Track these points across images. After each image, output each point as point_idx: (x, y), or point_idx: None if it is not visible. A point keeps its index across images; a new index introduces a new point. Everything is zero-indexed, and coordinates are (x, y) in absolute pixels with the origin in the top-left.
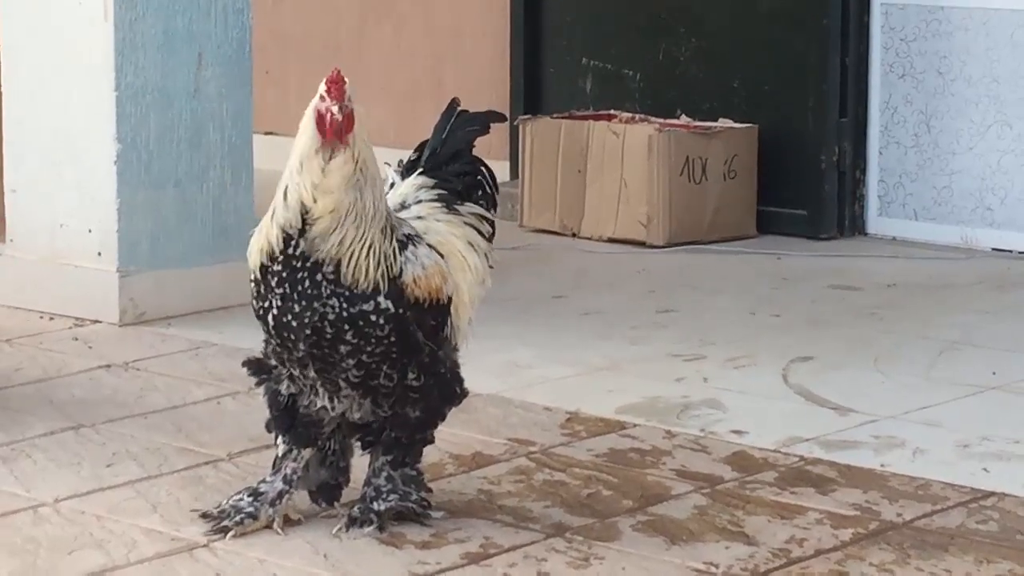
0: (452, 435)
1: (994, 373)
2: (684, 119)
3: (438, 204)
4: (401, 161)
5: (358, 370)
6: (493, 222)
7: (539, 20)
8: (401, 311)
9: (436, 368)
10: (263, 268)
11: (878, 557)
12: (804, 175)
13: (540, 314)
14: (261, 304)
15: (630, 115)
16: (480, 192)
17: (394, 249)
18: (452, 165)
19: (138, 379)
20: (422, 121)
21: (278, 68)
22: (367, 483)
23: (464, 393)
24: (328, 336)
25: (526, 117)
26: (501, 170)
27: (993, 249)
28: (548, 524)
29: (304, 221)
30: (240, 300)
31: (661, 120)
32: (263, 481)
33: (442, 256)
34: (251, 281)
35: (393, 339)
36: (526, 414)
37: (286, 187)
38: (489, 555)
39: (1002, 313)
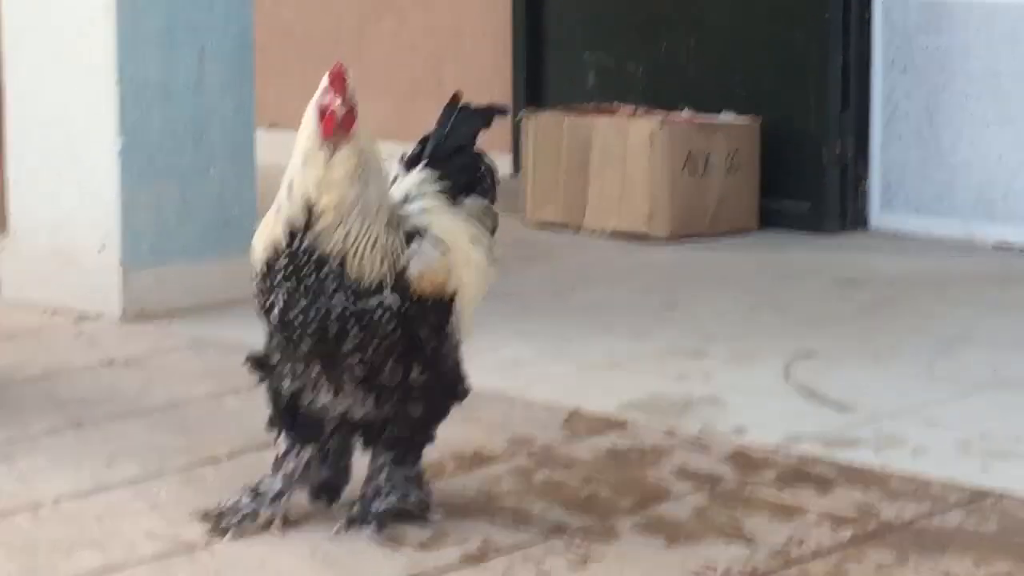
0: (452, 433)
1: (995, 371)
2: (687, 112)
3: (441, 198)
4: (404, 155)
5: (362, 366)
6: (496, 216)
7: (541, 14)
8: (406, 306)
9: (439, 364)
10: (268, 264)
11: (877, 557)
12: (806, 169)
13: (541, 309)
14: (265, 300)
15: (632, 109)
16: (483, 186)
17: (400, 243)
18: (455, 159)
19: (139, 375)
20: (424, 116)
21: (280, 62)
22: (367, 482)
23: (466, 390)
24: (333, 332)
25: (529, 111)
26: (504, 164)
27: (995, 244)
28: (547, 524)
29: (309, 216)
30: (243, 295)
31: (664, 113)
32: (263, 479)
33: (446, 251)
34: (255, 277)
35: (398, 335)
36: (527, 412)
37: (290, 182)
38: (488, 555)
39: (1004, 309)
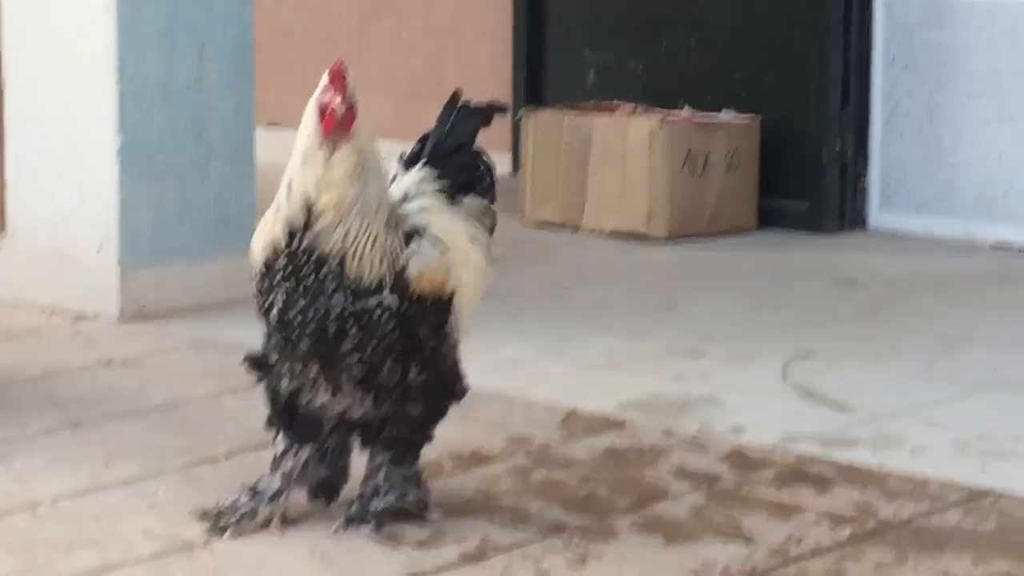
0: (451, 432)
1: (994, 371)
2: (687, 111)
3: (440, 197)
4: (403, 154)
5: (361, 366)
6: (495, 215)
7: (541, 13)
8: (406, 306)
9: (438, 364)
10: (267, 264)
11: (876, 556)
12: (806, 168)
13: (540, 309)
14: (264, 300)
15: (632, 107)
16: (482, 185)
17: (399, 243)
18: (455, 158)
19: (138, 375)
20: (424, 116)
21: (280, 61)
22: (365, 481)
23: (465, 389)
24: (332, 332)
25: (528, 109)
26: (503, 163)
27: (994, 243)
28: (546, 523)
29: (308, 215)
30: (242, 295)
31: (664, 112)
32: (262, 478)
33: (445, 250)
34: (254, 277)
35: (397, 334)
36: (525, 411)
37: (290, 181)
38: (487, 554)
39: (1003, 308)
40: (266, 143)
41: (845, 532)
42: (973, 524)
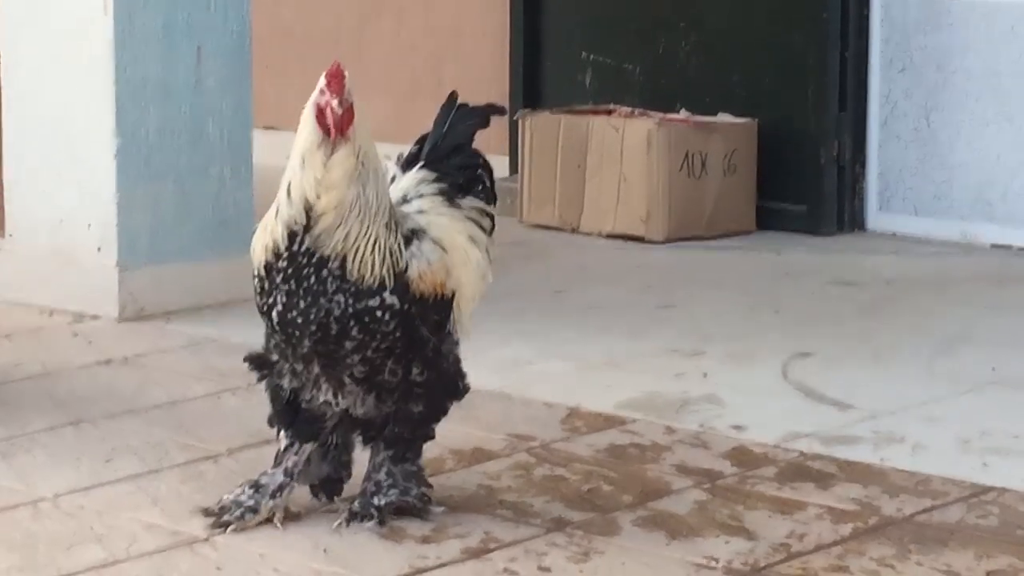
0: (452, 431)
1: (993, 369)
2: (684, 113)
3: (439, 198)
4: (401, 155)
5: (363, 366)
6: (493, 216)
7: (539, 14)
8: (406, 306)
9: (439, 363)
10: (268, 265)
11: (878, 552)
12: (804, 170)
13: (539, 309)
14: (265, 301)
15: (629, 109)
16: (481, 186)
17: (399, 244)
18: (453, 159)
19: (138, 374)
20: (423, 116)
21: (278, 62)
22: (368, 478)
23: (466, 388)
24: (333, 332)
25: (526, 111)
26: (500, 165)
27: (993, 244)
28: (548, 519)
29: (308, 217)
30: (240, 295)
31: (661, 114)
32: (264, 474)
33: (445, 251)
34: (255, 278)
35: (398, 335)
36: (526, 410)
37: (289, 183)
38: (489, 550)
39: (1002, 309)
40: (263, 146)
41: (847, 528)
42: (975, 519)
